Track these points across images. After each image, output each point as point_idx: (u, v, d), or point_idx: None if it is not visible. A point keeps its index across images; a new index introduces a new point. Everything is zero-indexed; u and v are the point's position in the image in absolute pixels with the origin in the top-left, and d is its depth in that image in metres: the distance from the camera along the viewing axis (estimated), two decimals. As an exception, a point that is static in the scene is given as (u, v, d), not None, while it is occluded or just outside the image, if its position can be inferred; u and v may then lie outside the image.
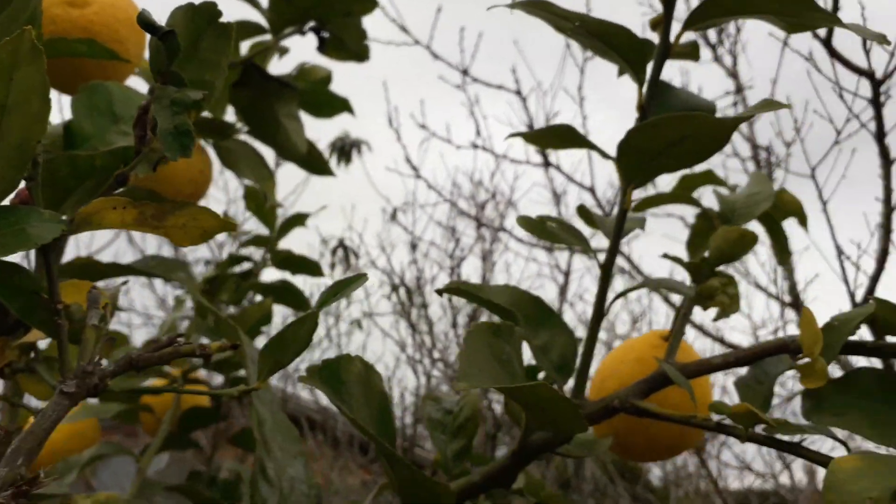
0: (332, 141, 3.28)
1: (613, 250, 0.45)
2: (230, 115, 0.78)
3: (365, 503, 0.51)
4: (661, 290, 0.82)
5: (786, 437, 0.40)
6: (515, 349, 0.40)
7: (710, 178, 0.63)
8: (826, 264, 3.04)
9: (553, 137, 0.46)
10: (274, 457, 0.47)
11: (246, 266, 0.98)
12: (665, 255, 0.49)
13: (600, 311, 0.45)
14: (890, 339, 0.42)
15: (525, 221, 0.45)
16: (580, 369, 0.45)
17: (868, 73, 1.86)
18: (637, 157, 0.41)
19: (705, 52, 2.50)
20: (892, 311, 0.38)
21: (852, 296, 1.73)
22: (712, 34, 2.36)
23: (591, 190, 2.13)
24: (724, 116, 0.37)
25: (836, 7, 1.87)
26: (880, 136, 1.89)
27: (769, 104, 0.38)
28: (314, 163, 0.78)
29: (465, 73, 1.94)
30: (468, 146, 1.98)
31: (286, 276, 0.98)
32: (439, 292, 0.48)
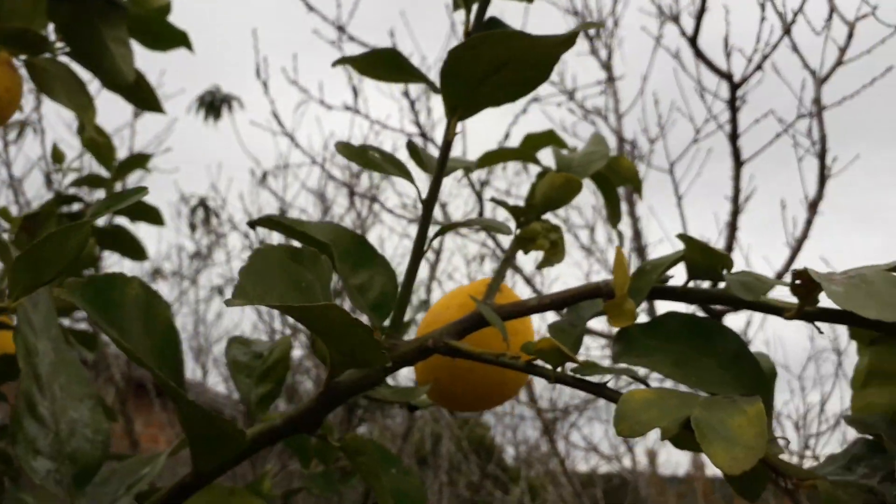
0: (201, 95, 3.11)
1: (436, 185, 0.42)
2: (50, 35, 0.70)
3: (164, 455, 0.47)
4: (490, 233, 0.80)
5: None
6: (321, 279, 0.37)
7: (552, 138, 0.63)
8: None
9: (377, 63, 0.43)
10: (51, 395, 0.42)
11: (77, 207, 0.90)
12: (492, 199, 0.47)
13: (420, 248, 0.43)
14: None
15: (344, 148, 0.42)
16: (397, 308, 0.43)
17: (727, 76, 1.97)
18: (460, 84, 0.39)
19: (582, 45, 2.57)
20: (700, 252, 0.38)
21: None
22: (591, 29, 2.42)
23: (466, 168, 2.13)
24: (545, 36, 0.35)
25: (702, 8, 1.96)
26: (734, 137, 2.00)
27: (588, 24, 0.37)
28: (142, 95, 0.72)
29: (341, 29, 1.87)
30: (341, 108, 1.92)
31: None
32: (250, 224, 0.44)
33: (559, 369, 0.40)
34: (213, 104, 3.08)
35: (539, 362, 0.40)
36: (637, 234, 2.28)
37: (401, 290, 0.43)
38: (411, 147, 0.45)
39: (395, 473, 0.42)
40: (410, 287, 0.43)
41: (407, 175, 0.43)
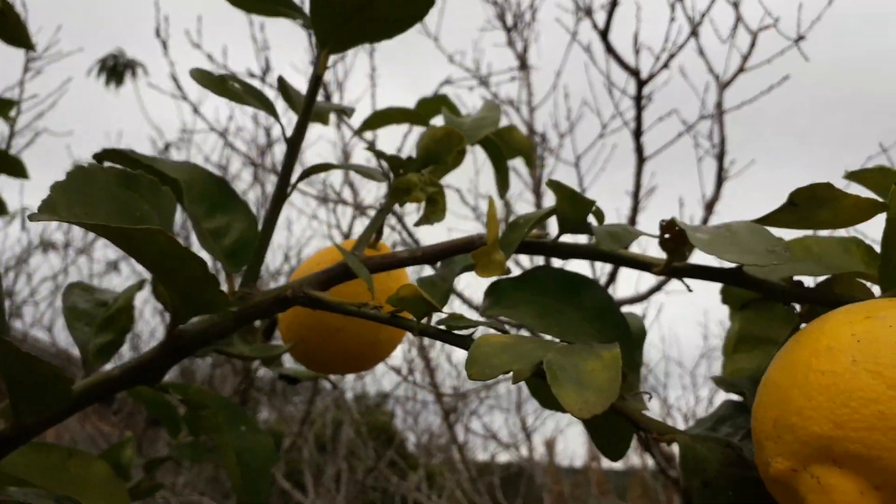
0: (103, 58, 2.92)
1: (302, 124, 0.40)
2: None
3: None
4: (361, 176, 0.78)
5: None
6: (162, 212, 0.34)
7: (445, 103, 0.61)
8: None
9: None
10: None
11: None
12: (368, 148, 0.45)
13: (283, 191, 0.40)
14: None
15: (200, 74, 0.39)
16: (255, 256, 0.40)
17: (635, 72, 2.00)
18: (330, 16, 0.36)
19: (499, 36, 2.57)
20: (569, 200, 0.37)
21: (595, 279, 1.88)
22: (509, 18, 2.42)
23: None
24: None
25: (614, 1, 1.99)
26: (637, 134, 2.04)
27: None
28: (7, 28, 0.65)
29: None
30: (245, 75, 1.84)
31: None
32: (97, 157, 0.40)
33: (424, 321, 0.38)
34: (116, 69, 2.90)
35: (404, 315, 0.38)
36: (542, 226, 2.30)
37: (259, 239, 0.40)
38: (281, 83, 0.41)
39: (244, 431, 0.38)
40: (270, 234, 0.40)
41: (270, 109, 0.40)
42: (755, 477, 0.30)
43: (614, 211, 2.15)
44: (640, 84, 1.96)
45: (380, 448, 2.43)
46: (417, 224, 0.47)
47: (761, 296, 0.39)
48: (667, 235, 0.35)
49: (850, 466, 0.24)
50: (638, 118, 1.98)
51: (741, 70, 2.02)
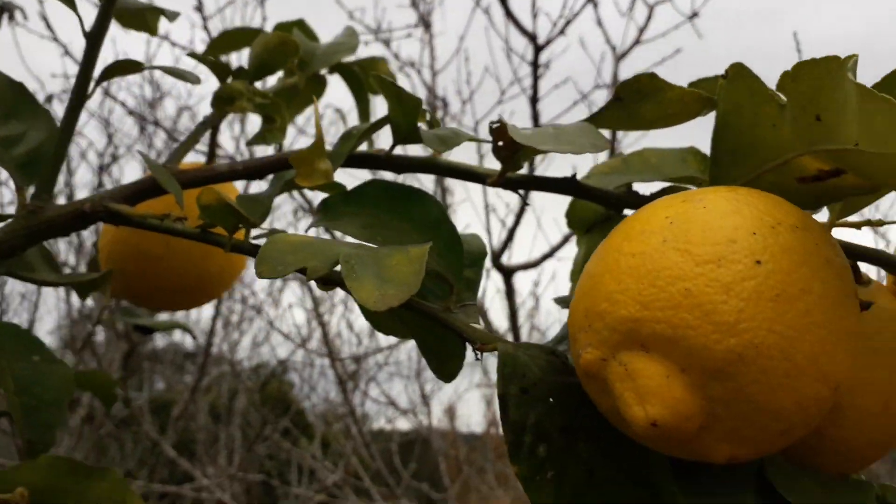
0: (-25, -2, 2.67)
1: (104, 12, 0.35)
2: None
3: None
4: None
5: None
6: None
7: (300, 25, 0.57)
8: (477, 217, 3.32)
9: None
10: None
11: None
12: (190, 54, 0.41)
13: (83, 92, 0.35)
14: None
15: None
16: (50, 169, 0.35)
17: (532, 36, 2.00)
18: None
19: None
20: (398, 104, 0.34)
21: (492, 247, 1.90)
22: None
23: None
24: None
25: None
26: (534, 100, 2.03)
27: None
28: None
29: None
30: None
31: None
32: None
33: (241, 237, 0.34)
34: (-9, 11, 2.65)
35: (218, 231, 0.35)
36: (443, 192, 2.29)
37: (53, 154, 0.36)
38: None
39: (37, 361, 0.34)
40: (67, 142, 0.35)
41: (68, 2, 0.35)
42: (578, 383, 0.28)
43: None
44: (538, 49, 1.96)
45: (276, 417, 2.38)
46: (250, 143, 0.43)
47: (604, 211, 0.38)
48: (500, 143, 0.33)
49: (657, 349, 0.22)
50: (534, 84, 1.97)
51: (637, 42, 2.05)
